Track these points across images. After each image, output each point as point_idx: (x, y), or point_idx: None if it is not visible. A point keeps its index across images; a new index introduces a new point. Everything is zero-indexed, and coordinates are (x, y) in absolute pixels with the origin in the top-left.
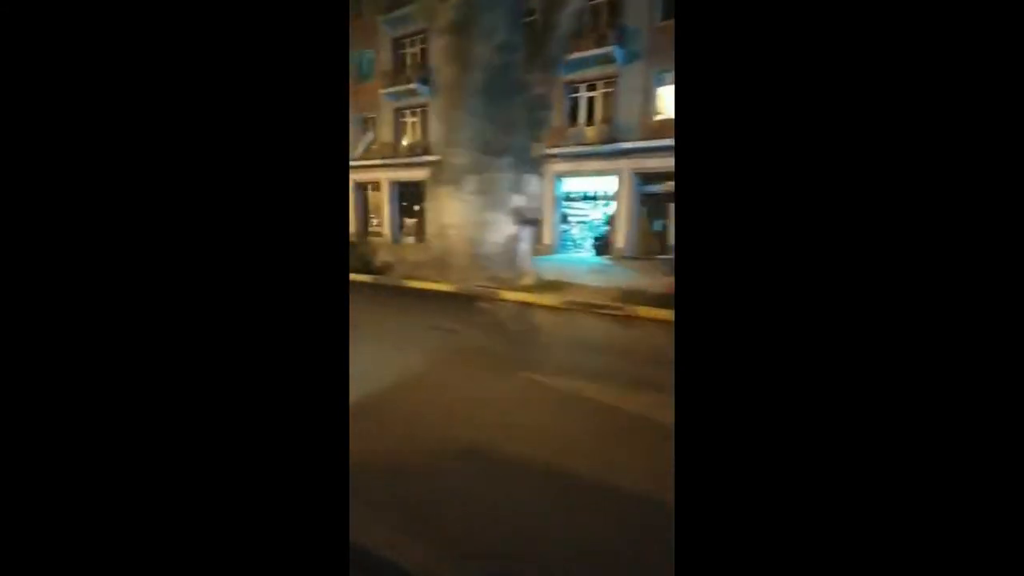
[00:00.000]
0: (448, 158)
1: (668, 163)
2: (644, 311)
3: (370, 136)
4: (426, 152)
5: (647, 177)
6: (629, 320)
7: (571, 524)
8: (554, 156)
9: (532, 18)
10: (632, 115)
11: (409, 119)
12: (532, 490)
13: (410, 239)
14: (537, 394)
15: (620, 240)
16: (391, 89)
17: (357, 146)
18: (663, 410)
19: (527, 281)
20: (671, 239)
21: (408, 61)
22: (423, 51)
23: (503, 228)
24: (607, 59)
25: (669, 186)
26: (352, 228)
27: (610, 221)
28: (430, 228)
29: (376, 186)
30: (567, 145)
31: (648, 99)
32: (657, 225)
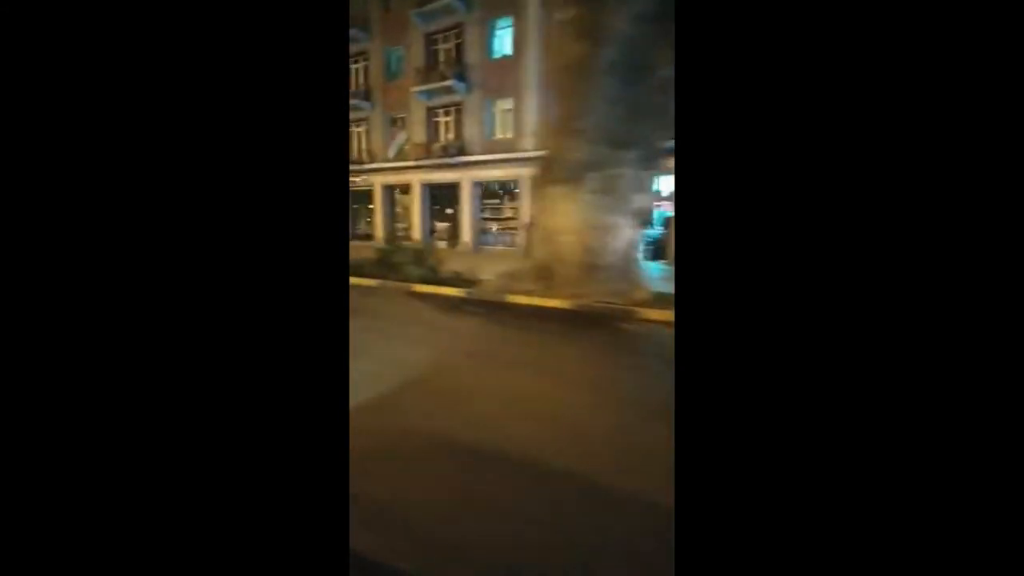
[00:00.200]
0: (562, 152)
1: None
2: None
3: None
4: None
5: None
6: None
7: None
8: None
9: None
10: None
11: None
12: None
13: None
14: None
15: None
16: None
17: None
18: None
19: (641, 295)
20: None
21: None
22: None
23: (624, 233)
24: None
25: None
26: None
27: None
28: (533, 234)
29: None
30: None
31: None
32: None
